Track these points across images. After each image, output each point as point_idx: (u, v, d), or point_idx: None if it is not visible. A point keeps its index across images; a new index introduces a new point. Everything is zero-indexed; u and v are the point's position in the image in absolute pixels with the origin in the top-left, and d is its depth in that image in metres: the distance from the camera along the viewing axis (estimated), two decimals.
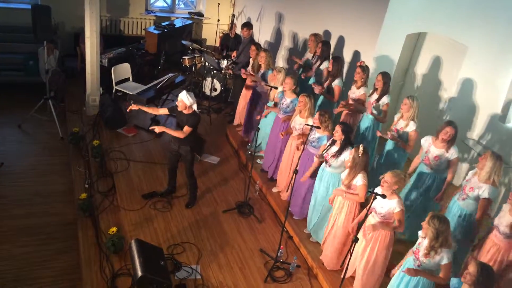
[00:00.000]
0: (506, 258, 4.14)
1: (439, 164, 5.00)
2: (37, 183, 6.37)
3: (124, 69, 8.30)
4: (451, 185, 6.22)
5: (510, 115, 5.89)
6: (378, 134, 5.82)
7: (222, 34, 11.07)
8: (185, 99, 5.43)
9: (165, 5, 11.09)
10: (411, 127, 5.35)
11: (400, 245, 5.07)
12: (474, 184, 4.51)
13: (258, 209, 6.24)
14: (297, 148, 5.75)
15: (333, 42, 7.61)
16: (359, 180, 4.63)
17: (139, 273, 4.26)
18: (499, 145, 5.99)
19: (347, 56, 7.45)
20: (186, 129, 5.51)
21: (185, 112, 5.55)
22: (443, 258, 3.78)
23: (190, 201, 6.13)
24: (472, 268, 3.35)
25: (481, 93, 6.19)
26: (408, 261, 4.04)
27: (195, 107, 5.57)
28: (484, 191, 4.41)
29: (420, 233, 3.95)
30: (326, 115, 5.30)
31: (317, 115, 5.33)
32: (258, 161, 6.97)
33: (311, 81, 7.13)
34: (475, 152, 6.22)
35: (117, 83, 8.11)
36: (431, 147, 5.04)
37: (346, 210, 4.84)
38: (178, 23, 10.27)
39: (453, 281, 3.61)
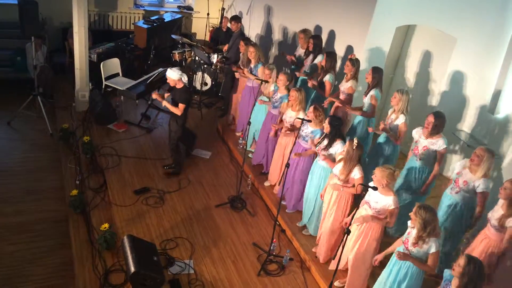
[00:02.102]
0: (496, 251, 4.18)
1: (427, 154, 5.04)
2: (27, 180, 6.31)
3: (113, 64, 8.23)
4: (443, 177, 6.30)
5: (499, 106, 5.94)
6: (370, 130, 5.82)
7: (212, 28, 11.02)
8: (171, 75, 5.87)
9: None
10: (400, 120, 5.37)
11: (389, 237, 5.13)
12: (468, 178, 4.55)
13: (251, 203, 6.25)
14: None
15: (324, 37, 7.60)
16: (357, 173, 4.66)
17: (132, 269, 4.25)
18: (489, 136, 6.04)
19: (339, 50, 7.45)
20: (180, 106, 5.94)
21: (177, 87, 5.95)
22: (431, 247, 3.85)
23: (173, 166, 6.54)
24: (460, 261, 3.42)
25: (470, 84, 6.23)
26: (398, 249, 4.11)
27: (184, 79, 5.95)
28: (480, 185, 4.47)
29: (409, 223, 4.02)
30: (321, 109, 5.32)
31: (311, 108, 5.33)
32: (250, 155, 6.97)
33: (304, 72, 7.11)
34: (465, 144, 6.27)
35: (107, 79, 8.04)
36: (421, 138, 5.08)
37: (339, 205, 4.86)
38: (167, 17, 10.19)
39: (446, 273, 3.66)
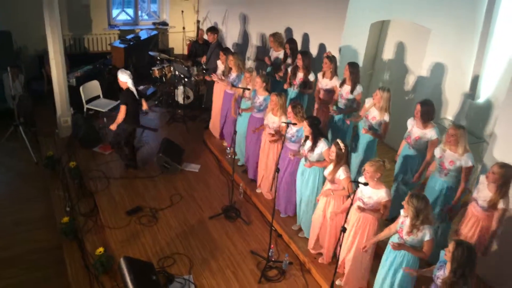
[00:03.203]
0: (485, 229, 4.27)
1: (420, 144, 5.12)
2: (15, 212, 6.19)
3: (93, 87, 8.18)
4: None
5: (478, 92, 6.04)
6: (348, 122, 5.89)
7: (189, 41, 11.03)
8: (120, 76, 6.21)
9: (128, 18, 10.98)
10: (386, 118, 5.45)
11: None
12: (452, 157, 4.63)
13: (245, 211, 6.23)
14: (270, 142, 5.79)
15: (299, 38, 7.66)
16: (342, 174, 4.67)
17: None
18: (471, 121, 6.14)
19: (314, 51, 7.49)
20: (121, 108, 6.22)
21: (123, 89, 6.27)
22: (426, 234, 3.90)
23: (129, 163, 6.85)
24: (450, 246, 3.47)
25: (448, 73, 6.33)
26: (393, 238, 4.16)
27: (129, 83, 6.22)
28: (467, 161, 4.57)
29: (402, 212, 4.05)
30: (299, 106, 5.34)
31: (289, 108, 5.35)
32: (239, 163, 6.96)
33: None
34: None
35: (88, 102, 7.98)
36: (414, 128, 5.16)
37: (334, 205, 4.87)
38: (143, 35, 10.18)
39: (442, 253, 3.69)
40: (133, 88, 6.27)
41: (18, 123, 7.28)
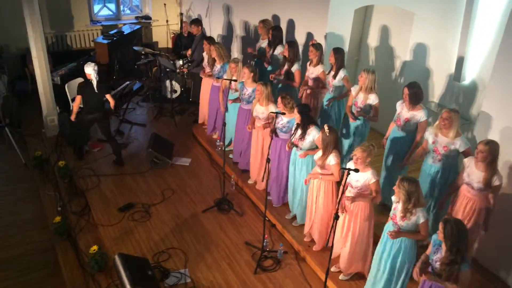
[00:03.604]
0: (482, 207, 4.33)
1: (409, 125, 5.16)
2: (6, 214, 6.12)
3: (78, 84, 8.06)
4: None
5: (464, 73, 6.08)
6: (352, 120, 5.76)
7: (174, 35, 10.93)
8: (85, 69, 6.35)
9: (110, 13, 10.84)
10: (373, 100, 5.47)
11: (384, 216, 5.21)
12: (446, 142, 4.65)
13: (237, 203, 6.24)
14: (271, 137, 5.76)
15: (284, 27, 7.63)
16: (332, 160, 4.68)
17: (128, 287, 4.20)
18: (458, 102, 6.18)
19: (300, 39, 7.49)
20: (76, 98, 6.50)
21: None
22: (419, 217, 3.93)
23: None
24: (440, 226, 3.54)
25: (433, 56, 6.35)
26: (388, 226, 4.19)
27: (92, 75, 6.34)
28: (460, 145, 4.60)
29: (393, 198, 4.09)
30: (288, 97, 5.34)
31: (279, 100, 5.35)
32: (230, 156, 6.95)
33: (269, 68, 7.13)
34: (437, 114, 6.40)
35: (73, 99, 7.87)
36: (403, 110, 5.19)
37: (324, 191, 4.90)
38: (126, 30, 10.05)
39: (435, 237, 3.74)
40: (94, 81, 6.40)
41: (3, 124, 7.18)
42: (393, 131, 5.41)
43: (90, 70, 6.35)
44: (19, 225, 5.94)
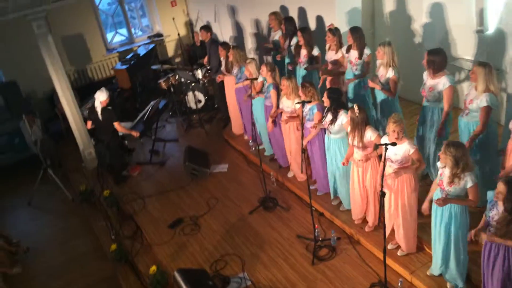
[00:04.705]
0: None
1: (434, 95, 4.94)
2: (66, 251, 6.37)
3: None
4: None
5: (486, 24, 5.84)
6: (370, 84, 5.65)
7: (188, 46, 11.03)
8: (100, 96, 6.64)
9: (123, 38, 11.04)
10: (390, 73, 5.29)
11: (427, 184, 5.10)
12: (473, 96, 4.50)
13: (281, 198, 6.24)
14: (297, 129, 5.75)
15: (294, 15, 7.55)
16: (372, 135, 4.62)
17: None
18: (485, 54, 5.96)
19: (312, 24, 7.38)
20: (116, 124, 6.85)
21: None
22: (468, 181, 3.81)
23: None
24: (501, 186, 3.37)
25: (451, 11, 6.14)
26: (436, 193, 4.09)
27: (96, 102, 6.67)
28: (482, 100, 4.40)
29: (438, 164, 3.97)
30: (307, 85, 5.30)
31: (299, 90, 5.31)
32: (266, 153, 6.96)
33: (286, 61, 7.09)
34: (467, 70, 6.19)
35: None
36: (428, 79, 5.00)
37: (371, 168, 4.83)
38: (141, 51, 10.22)
39: (490, 193, 3.61)
40: (98, 107, 6.68)
41: (46, 166, 7.46)
42: (424, 102, 5.20)
43: (97, 96, 6.65)
44: (78, 259, 6.17)
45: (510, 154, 4.26)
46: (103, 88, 6.76)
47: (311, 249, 5.25)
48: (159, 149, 8.08)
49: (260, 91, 6.39)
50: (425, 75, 5.05)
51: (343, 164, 4.98)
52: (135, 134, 7.02)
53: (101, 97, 6.65)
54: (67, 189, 7.43)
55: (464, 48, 6.21)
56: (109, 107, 6.75)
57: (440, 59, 4.81)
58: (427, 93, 5.00)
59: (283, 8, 7.86)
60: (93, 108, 6.79)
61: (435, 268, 4.45)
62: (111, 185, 7.28)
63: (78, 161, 8.10)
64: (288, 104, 5.69)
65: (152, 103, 7.85)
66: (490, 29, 5.81)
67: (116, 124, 6.78)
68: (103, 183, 7.28)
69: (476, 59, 6.02)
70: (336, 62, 6.20)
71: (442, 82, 4.83)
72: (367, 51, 5.84)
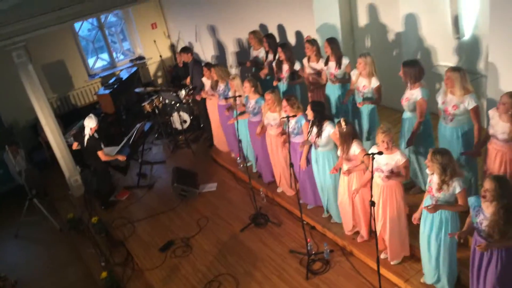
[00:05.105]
0: None
1: (410, 105, 4.96)
2: (56, 281, 6.23)
3: None
4: None
5: (462, 30, 5.97)
6: (345, 101, 5.78)
7: (170, 67, 11.06)
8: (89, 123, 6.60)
9: (105, 63, 11.03)
10: (374, 83, 5.37)
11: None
12: (454, 101, 4.54)
13: (272, 214, 6.21)
14: (284, 144, 5.76)
15: (276, 31, 7.63)
16: (356, 149, 4.65)
17: None
18: (464, 60, 6.07)
19: (293, 40, 7.46)
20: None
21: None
22: (456, 187, 3.83)
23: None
24: (489, 184, 3.38)
25: (427, 20, 6.27)
26: (426, 200, 4.11)
27: (86, 129, 6.64)
28: (469, 102, 4.45)
29: (427, 171, 4.00)
30: (292, 98, 5.34)
31: (284, 102, 5.33)
32: (254, 170, 6.95)
33: (268, 77, 7.13)
34: None
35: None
36: (407, 90, 5.05)
37: (357, 182, 4.84)
38: (124, 75, 10.21)
39: (471, 200, 3.63)
40: (86, 135, 6.68)
41: (31, 196, 7.32)
42: (404, 112, 5.22)
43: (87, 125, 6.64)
44: None
45: (490, 154, 4.34)
46: (91, 115, 6.71)
47: (304, 264, 5.21)
48: (146, 172, 8.02)
49: (242, 112, 6.40)
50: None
51: (332, 172, 4.99)
52: (121, 158, 6.96)
53: (90, 124, 6.59)
54: (54, 218, 7.30)
55: (442, 55, 6.33)
56: (95, 135, 6.68)
57: (415, 70, 4.82)
58: (404, 103, 5.05)
59: (262, 26, 7.94)
60: (80, 132, 6.79)
61: (429, 276, 4.44)
62: (99, 211, 7.17)
63: (64, 189, 7.98)
64: (274, 117, 5.71)
65: (137, 126, 7.82)
66: (466, 35, 5.94)
67: (100, 154, 6.71)
68: (91, 210, 7.21)
69: (454, 65, 6.12)
70: (318, 73, 6.25)
71: (416, 94, 4.85)
72: (345, 60, 5.89)
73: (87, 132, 6.62)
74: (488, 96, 4.98)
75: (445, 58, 6.31)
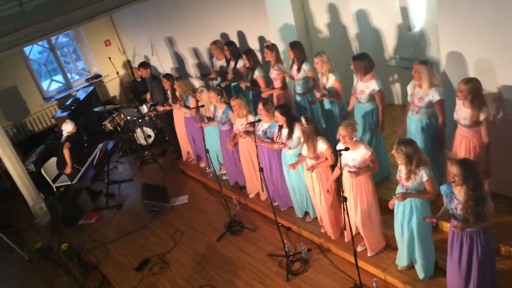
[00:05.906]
0: (477, 144, 4.32)
1: (366, 97, 5.09)
2: None
3: (53, 164, 7.91)
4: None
5: (412, 22, 6.16)
6: (318, 95, 5.76)
7: (128, 83, 10.88)
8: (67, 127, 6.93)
9: (60, 85, 10.74)
10: (331, 78, 5.45)
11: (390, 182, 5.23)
12: (420, 94, 4.65)
13: (247, 220, 6.19)
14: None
15: (235, 40, 7.61)
16: (322, 146, 4.70)
17: None
18: (414, 51, 6.26)
19: (254, 45, 7.46)
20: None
21: None
22: (423, 175, 3.92)
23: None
24: (455, 169, 3.47)
25: (378, 14, 6.43)
26: (398, 189, 4.20)
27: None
28: (433, 95, 4.55)
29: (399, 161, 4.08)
30: (269, 103, 5.37)
31: (260, 106, 5.32)
32: (224, 178, 6.91)
33: (233, 84, 7.13)
34: (401, 68, 6.47)
35: (54, 181, 7.75)
36: (358, 83, 5.15)
37: (322, 181, 4.90)
38: (81, 95, 9.97)
39: (443, 188, 3.73)
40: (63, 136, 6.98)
41: None
42: (355, 105, 5.34)
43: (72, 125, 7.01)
44: None
45: (456, 140, 4.47)
46: (67, 120, 7.04)
47: (284, 266, 5.21)
48: (114, 191, 7.84)
49: (211, 119, 6.37)
50: (355, 78, 5.20)
51: (290, 167, 5.00)
52: (68, 170, 7.02)
53: (67, 128, 6.88)
54: (22, 250, 6.99)
55: (395, 47, 6.51)
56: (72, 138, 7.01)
57: (365, 63, 4.98)
58: (359, 96, 5.15)
59: (224, 35, 7.93)
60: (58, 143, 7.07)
61: (402, 259, 4.53)
62: (68, 237, 6.94)
63: (29, 218, 7.67)
64: (242, 122, 5.70)
65: (100, 146, 7.64)
66: (417, 27, 6.13)
67: (65, 147, 6.88)
68: (59, 237, 6.97)
69: (407, 56, 6.31)
70: (276, 78, 6.29)
71: (372, 85, 5.00)
72: (305, 66, 5.89)
73: (65, 135, 6.77)
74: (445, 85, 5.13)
75: (399, 50, 6.49)
